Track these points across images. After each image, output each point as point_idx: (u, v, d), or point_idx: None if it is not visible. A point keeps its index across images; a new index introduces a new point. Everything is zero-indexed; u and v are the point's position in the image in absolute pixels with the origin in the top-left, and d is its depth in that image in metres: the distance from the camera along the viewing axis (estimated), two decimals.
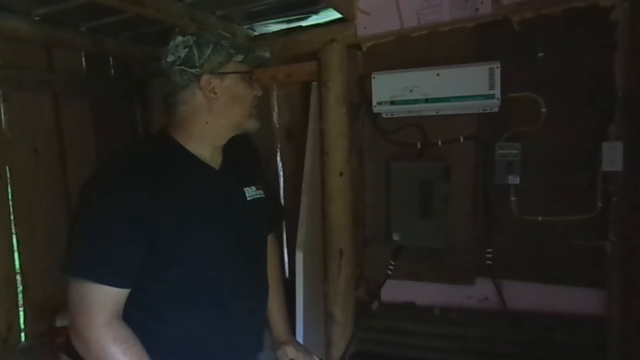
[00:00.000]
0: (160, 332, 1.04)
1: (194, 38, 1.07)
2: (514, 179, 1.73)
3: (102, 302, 0.95)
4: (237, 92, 1.11)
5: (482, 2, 1.71)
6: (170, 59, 1.07)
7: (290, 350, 1.29)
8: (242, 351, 1.15)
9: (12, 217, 1.80)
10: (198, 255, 1.06)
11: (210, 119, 1.10)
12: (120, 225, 0.98)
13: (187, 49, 1.06)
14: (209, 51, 1.07)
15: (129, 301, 1.01)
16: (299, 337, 1.85)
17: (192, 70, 1.06)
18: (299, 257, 1.85)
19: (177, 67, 1.06)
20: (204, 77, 1.07)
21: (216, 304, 1.08)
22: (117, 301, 0.98)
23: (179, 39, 1.07)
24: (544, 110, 1.70)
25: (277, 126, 2.28)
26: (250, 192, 1.19)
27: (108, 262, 0.97)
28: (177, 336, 1.05)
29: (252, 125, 1.17)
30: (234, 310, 1.10)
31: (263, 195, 1.23)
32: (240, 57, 1.10)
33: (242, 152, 1.25)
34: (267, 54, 1.19)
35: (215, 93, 1.08)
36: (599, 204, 1.66)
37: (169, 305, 1.04)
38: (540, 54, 1.69)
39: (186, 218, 1.03)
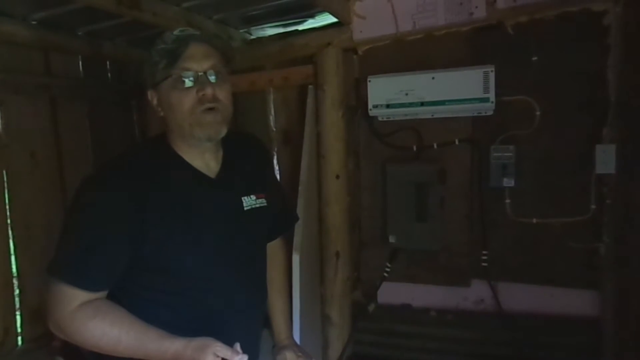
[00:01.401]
0: None
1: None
2: (508, 182, 1.75)
3: (76, 299, 0.97)
4: (170, 101, 1.03)
5: (476, 7, 1.72)
6: None
7: (290, 356, 1.28)
8: None
9: (9, 220, 1.80)
10: (185, 266, 1.05)
11: (171, 130, 1.10)
12: (102, 232, 0.98)
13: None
14: (146, 65, 1.07)
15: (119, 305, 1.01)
16: (296, 339, 1.85)
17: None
18: (296, 259, 1.86)
19: None
20: (148, 93, 1.09)
21: (208, 315, 1.07)
22: (92, 299, 0.99)
23: None
24: (538, 113, 1.71)
25: (274, 129, 2.29)
26: (249, 202, 1.16)
27: (86, 267, 0.98)
28: None
29: (198, 133, 1.03)
30: (227, 321, 1.08)
31: (265, 204, 1.19)
32: (163, 63, 1.02)
33: (248, 158, 1.22)
34: (184, 40, 1.03)
35: (160, 107, 1.08)
36: (593, 206, 1.67)
37: (158, 311, 1.03)
38: (535, 58, 1.71)
39: (172, 228, 1.03)
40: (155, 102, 1.08)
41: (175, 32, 1.03)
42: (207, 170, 1.11)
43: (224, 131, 1.07)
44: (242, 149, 1.21)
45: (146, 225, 0.99)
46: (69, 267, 0.98)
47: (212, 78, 1.04)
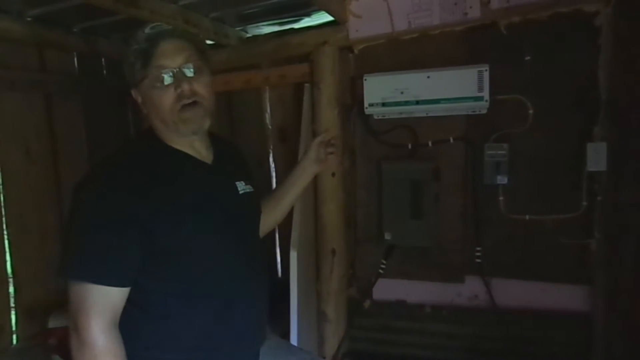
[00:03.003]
0: (165, 329, 1.05)
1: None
2: (502, 179, 1.77)
3: (103, 304, 0.96)
4: (152, 100, 1.06)
5: (471, 7, 1.75)
6: None
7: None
8: (247, 341, 1.17)
9: (4, 218, 1.79)
10: (198, 250, 1.06)
11: (157, 126, 1.11)
12: (114, 226, 0.97)
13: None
14: (125, 66, 1.08)
15: (131, 303, 1.01)
16: (293, 335, 1.87)
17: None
18: (293, 256, 1.87)
19: None
20: (132, 92, 1.10)
21: (219, 296, 1.08)
22: (117, 302, 0.99)
23: None
24: (531, 112, 1.74)
25: (270, 127, 2.30)
26: (241, 187, 1.21)
27: (106, 263, 0.97)
28: (183, 331, 1.06)
29: (182, 129, 1.07)
30: (237, 301, 1.11)
31: (252, 190, 1.25)
32: (139, 63, 1.04)
33: (230, 152, 1.28)
34: (155, 38, 1.05)
35: (143, 105, 1.10)
36: (584, 203, 1.71)
37: (172, 302, 1.04)
38: (528, 57, 1.74)
39: (182, 214, 1.04)
40: (140, 100, 1.11)
41: (146, 31, 1.05)
42: (201, 158, 1.15)
43: (207, 123, 1.11)
44: (224, 144, 1.26)
45: (156, 215, 0.99)
46: (90, 266, 0.96)
47: (189, 72, 1.06)
